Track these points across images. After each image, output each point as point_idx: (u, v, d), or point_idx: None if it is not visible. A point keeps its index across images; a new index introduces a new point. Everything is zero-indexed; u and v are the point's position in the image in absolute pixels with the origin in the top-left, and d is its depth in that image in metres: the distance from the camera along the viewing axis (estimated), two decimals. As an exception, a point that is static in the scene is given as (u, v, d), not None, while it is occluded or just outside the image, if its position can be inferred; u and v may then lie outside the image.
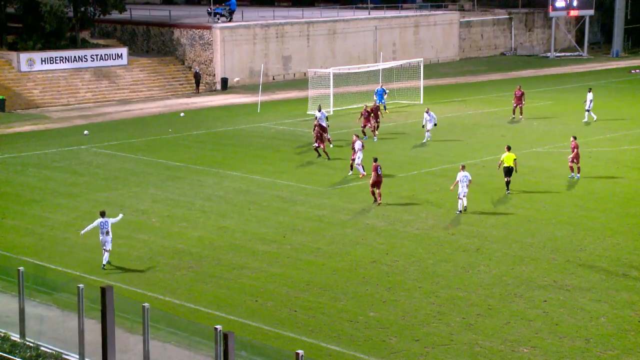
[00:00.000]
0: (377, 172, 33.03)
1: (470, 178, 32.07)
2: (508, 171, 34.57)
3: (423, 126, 45.28)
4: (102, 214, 26.83)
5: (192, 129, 50.31)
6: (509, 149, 35.07)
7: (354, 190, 35.77)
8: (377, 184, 33.19)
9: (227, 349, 16.08)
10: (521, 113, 51.47)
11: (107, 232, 26.39)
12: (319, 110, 44.18)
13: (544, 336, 21.59)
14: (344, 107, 56.08)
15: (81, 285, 19.13)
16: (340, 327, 22.21)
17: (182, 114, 55.49)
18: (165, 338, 19.17)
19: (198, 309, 23.33)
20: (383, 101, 52.19)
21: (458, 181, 31.97)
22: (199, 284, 25.29)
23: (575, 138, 37.74)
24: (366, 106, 46.87)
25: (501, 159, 34.86)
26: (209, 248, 28.51)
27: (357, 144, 37.52)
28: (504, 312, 23.00)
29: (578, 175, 37.24)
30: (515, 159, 34.53)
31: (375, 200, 33.33)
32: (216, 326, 16.81)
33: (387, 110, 52.89)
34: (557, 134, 47.09)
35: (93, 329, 18.85)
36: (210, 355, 17.36)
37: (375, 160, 33.45)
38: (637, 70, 77.00)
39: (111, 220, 26.69)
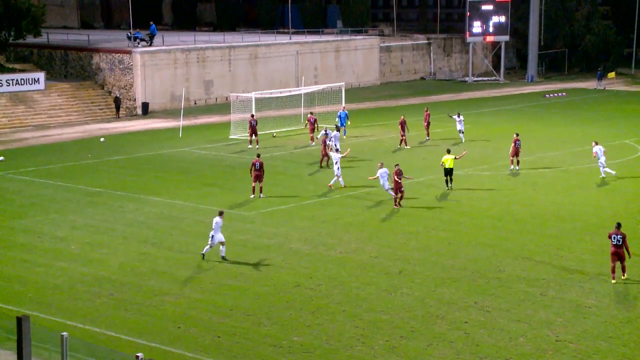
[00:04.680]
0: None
1: (389, 172, 36.99)
2: (449, 171, 39.29)
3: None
4: (220, 214, 29.69)
5: (112, 154, 49.64)
6: (448, 151, 40.12)
7: (277, 214, 35.73)
8: None
9: (149, 377, 15.83)
10: (406, 143, 50.87)
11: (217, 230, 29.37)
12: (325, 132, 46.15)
13: (465, 357, 21.82)
14: (266, 132, 56.10)
15: (-4, 315, 18.65)
16: (264, 352, 22.08)
17: (102, 139, 54.72)
18: (85, 368, 18.77)
19: (119, 337, 22.94)
20: (343, 124, 52.64)
21: (378, 176, 37.13)
22: (120, 311, 24.88)
23: (517, 135, 44.15)
24: (311, 113, 53.18)
25: (442, 161, 39.44)
26: (130, 275, 28.08)
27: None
28: (427, 334, 23.18)
29: (517, 167, 43.64)
30: (454, 159, 39.32)
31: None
32: (137, 354, 16.56)
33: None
34: (476, 157, 47.91)
35: (9, 360, 18.39)
36: (131, 384, 17.07)
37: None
38: (551, 95, 79.09)
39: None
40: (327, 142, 44.71)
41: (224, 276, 27.95)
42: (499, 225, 34.02)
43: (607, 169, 42.12)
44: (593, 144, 42.73)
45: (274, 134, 55.96)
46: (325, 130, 46.05)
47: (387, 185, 36.90)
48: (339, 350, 22.22)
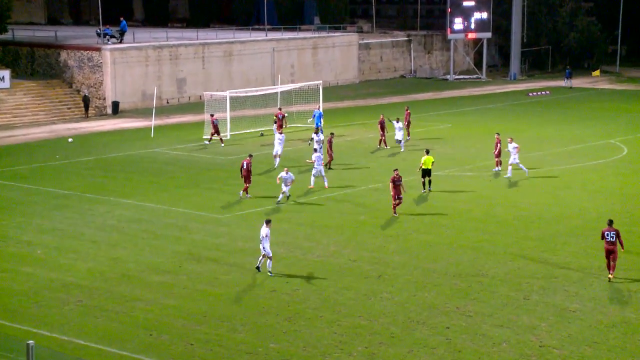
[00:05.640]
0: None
1: (293, 178, 36.73)
2: (427, 172, 38.35)
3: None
4: (267, 223, 27.72)
5: (81, 155, 48.81)
6: (427, 152, 38.89)
7: (252, 217, 35.03)
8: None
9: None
10: (386, 144, 49.97)
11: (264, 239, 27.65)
12: (316, 133, 45.20)
13: (448, 365, 21.29)
14: (241, 132, 55.43)
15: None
16: (239, 361, 21.51)
17: (70, 140, 53.81)
18: (51, 379, 18.19)
19: (88, 345, 22.43)
20: (320, 124, 51.66)
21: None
22: (89, 318, 24.31)
23: (498, 134, 43.25)
24: (280, 109, 53.46)
25: (421, 162, 38.29)
26: (99, 280, 27.43)
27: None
28: (407, 340, 22.72)
29: (499, 168, 42.73)
30: (433, 162, 38.41)
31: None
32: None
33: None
34: (457, 157, 47.48)
35: (-31, 372, 17.69)
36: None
37: None
38: (535, 93, 78.81)
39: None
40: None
41: (197, 281, 27.35)
42: (481, 227, 33.53)
43: (521, 166, 41.58)
44: (508, 140, 41.66)
45: (262, 133, 55.33)
46: (331, 134, 45.74)
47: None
48: (316, 357, 21.76)
